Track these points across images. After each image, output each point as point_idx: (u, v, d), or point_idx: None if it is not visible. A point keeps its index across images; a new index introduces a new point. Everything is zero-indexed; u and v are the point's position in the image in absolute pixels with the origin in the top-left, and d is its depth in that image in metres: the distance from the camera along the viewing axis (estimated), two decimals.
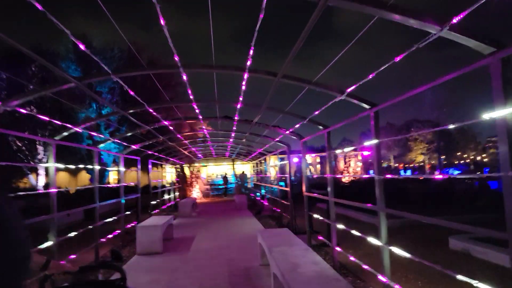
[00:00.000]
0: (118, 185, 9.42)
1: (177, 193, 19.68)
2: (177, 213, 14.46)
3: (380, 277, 4.15)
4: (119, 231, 8.95)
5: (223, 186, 27.18)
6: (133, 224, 9.89)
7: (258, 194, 19.31)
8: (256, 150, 14.22)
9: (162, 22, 3.23)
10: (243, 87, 4.97)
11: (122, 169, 9.37)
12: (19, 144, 25.79)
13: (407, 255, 3.68)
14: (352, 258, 5.24)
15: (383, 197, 4.16)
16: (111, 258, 7.56)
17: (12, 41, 3.06)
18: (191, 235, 9.77)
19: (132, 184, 14.11)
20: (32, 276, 2.18)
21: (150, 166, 12.80)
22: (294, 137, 8.12)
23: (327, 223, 7.69)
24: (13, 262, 1.68)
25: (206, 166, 36.51)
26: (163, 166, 16.88)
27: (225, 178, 27.00)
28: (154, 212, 13.13)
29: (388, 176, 4.27)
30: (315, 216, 7.45)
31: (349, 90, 4.14)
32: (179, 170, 21.24)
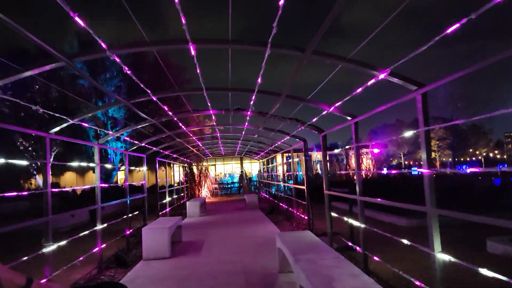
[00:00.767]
0: (122, 184, 8.82)
1: (185, 193, 19.07)
2: (185, 214, 13.83)
3: None
4: (125, 233, 8.33)
5: (240, 184, 26.53)
6: (139, 226, 9.31)
7: (268, 192, 18.65)
8: (268, 146, 13.53)
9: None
10: (262, 68, 4.28)
11: (127, 167, 8.74)
12: (25, 144, 25.43)
13: (471, 267, 2.97)
14: (393, 268, 4.54)
15: (434, 196, 3.45)
16: (116, 263, 6.82)
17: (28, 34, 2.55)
18: (201, 237, 9.12)
19: (140, 183, 13.51)
20: None
21: (157, 165, 12.17)
22: (314, 131, 7.41)
23: (350, 225, 7.02)
24: None
25: (214, 164, 35.97)
26: (171, 164, 16.27)
27: (241, 176, 26.39)
28: (161, 212, 12.52)
29: (443, 170, 3.56)
30: (337, 216, 6.76)
31: (392, 67, 3.45)
32: (187, 168, 20.62)
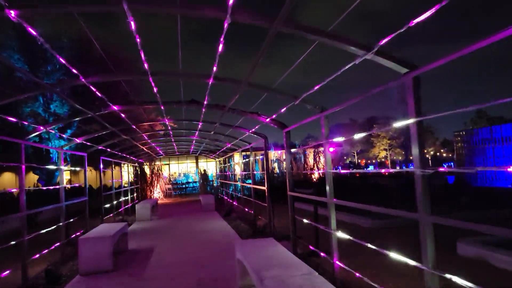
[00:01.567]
0: (66, 186, 7.67)
1: (135, 195, 17.82)
2: (134, 218, 12.70)
3: None
4: (59, 243, 7.22)
5: (204, 183, 25.22)
6: (79, 233, 8.21)
7: (225, 192, 17.86)
8: (226, 144, 12.74)
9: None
10: (220, 47, 3.50)
11: (62, 167, 7.62)
12: None
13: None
14: (360, 276, 3.95)
15: (428, 201, 2.87)
16: (46, 280, 5.63)
17: None
18: (150, 245, 8.18)
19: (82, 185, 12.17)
20: None
21: (101, 165, 11.01)
22: (275, 126, 6.75)
23: (315, 228, 6.44)
24: None
25: (168, 164, 34.60)
26: (122, 164, 15.04)
27: (203, 175, 25.20)
28: (107, 217, 11.36)
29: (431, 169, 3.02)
30: (304, 220, 6.15)
31: (381, 43, 2.80)
32: (137, 168, 19.32)
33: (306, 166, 25.32)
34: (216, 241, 8.31)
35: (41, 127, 5.92)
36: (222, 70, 4.70)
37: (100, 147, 9.87)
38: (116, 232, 6.75)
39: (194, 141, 13.80)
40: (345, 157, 70.04)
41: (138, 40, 3.44)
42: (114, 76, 5.25)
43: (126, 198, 15.31)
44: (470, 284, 2.41)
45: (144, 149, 14.61)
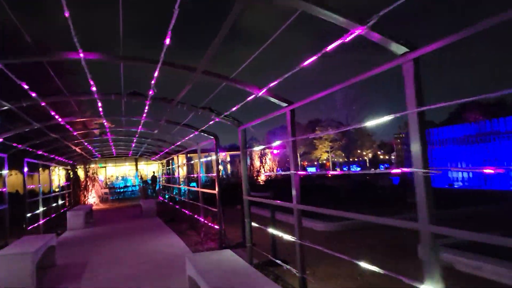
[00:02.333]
0: None
1: (67, 200, 16.17)
2: (65, 226, 11.33)
3: None
4: None
5: (153, 185, 23.69)
6: None
7: (167, 196, 16.84)
8: (170, 145, 11.81)
9: None
10: (175, 15, 2.82)
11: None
12: None
13: None
14: None
15: (432, 207, 2.42)
16: None
17: None
18: (83, 259, 7.12)
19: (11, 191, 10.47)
20: None
21: (25, 168, 9.63)
22: (229, 124, 6.13)
23: (271, 235, 5.90)
24: None
25: (105, 167, 32.49)
26: (52, 167, 13.49)
27: (154, 177, 23.71)
28: (32, 226, 9.97)
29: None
30: (269, 229, 5.58)
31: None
32: (69, 171, 17.60)
33: (252, 168, 24.93)
34: (160, 251, 7.47)
35: None
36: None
37: (24, 148, 8.56)
38: (40, 247, 5.70)
39: (134, 141, 12.71)
40: (288, 159, 70.90)
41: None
42: (35, 57, 4.28)
43: (57, 204, 13.76)
44: None
45: (77, 150, 13.21)
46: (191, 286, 4.15)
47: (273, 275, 5.35)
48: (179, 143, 10.95)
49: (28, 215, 9.83)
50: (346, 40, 2.58)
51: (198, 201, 9.37)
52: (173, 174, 16.43)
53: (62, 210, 13.90)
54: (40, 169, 11.89)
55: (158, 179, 22.72)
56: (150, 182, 23.85)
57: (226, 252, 4.61)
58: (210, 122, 6.68)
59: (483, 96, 2.22)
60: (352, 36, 2.51)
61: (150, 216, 13.23)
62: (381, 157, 69.22)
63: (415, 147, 2.41)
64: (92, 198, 19.56)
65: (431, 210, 2.37)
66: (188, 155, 11.59)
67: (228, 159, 43.83)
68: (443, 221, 2.31)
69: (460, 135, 17.98)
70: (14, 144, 8.27)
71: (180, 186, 13.62)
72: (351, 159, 64.43)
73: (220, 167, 32.34)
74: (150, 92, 5.17)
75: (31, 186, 12.87)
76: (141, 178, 25.27)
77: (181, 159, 17.74)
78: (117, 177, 31.98)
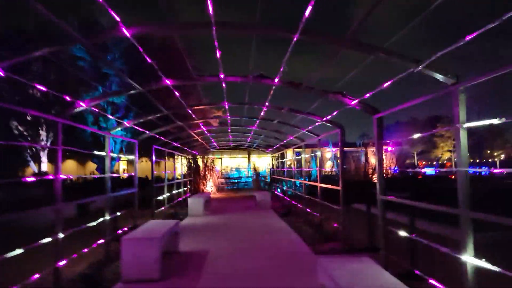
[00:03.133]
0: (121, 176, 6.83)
1: (188, 187, 17.11)
2: (186, 212, 11.81)
3: None
4: (102, 240, 6.35)
5: (256, 179, 24.22)
6: (130, 227, 7.38)
7: (279, 189, 16.62)
8: (287, 137, 11.41)
9: None
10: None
11: (110, 154, 6.76)
12: (21, 129, 23.62)
13: None
14: None
15: (468, 198, 1.37)
16: (82, 286, 4.47)
17: None
18: (204, 247, 7.10)
19: (142, 175, 11.41)
20: None
21: (153, 154, 10.19)
22: (363, 111, 5.34)
23: (411, 240, 4.97)
24: None
25: (220, 158, 34.10)
26: (176, 156, 14.33)
27: (255, 170, 24.34)
28: (158, 210, 10.55)
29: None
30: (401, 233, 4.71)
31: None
32: (191, 160, 18.62)
33: (368, 165, 23.40)
34: (281, 247, 7.06)
35: (81, 102, 4.98)
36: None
37: (152, 134, 8.99)
38: (165, 232, 5.73)
39: (252, 133, 12.65)
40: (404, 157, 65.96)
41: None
42: (194, 80, 4.13)
43: (179, 190, 14.58)
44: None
45: (199, 139, 13.73)
46: None
47: None
48: (297, 135, 10.47)
49: (156, 199, 10.39)
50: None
51: (312, 196, 8.78)
52: (284, 167, 16.16)
53: (183, 197, 14.66)
54: (166, 157, 12.62)
55: (271, 172, 22.76)
56: (264, 174, 24.11)
57: (363, 258, 3.90)
58: (338, 110, 5.97)
59: None
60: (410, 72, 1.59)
61: (265, 209, 13.09)
62: None
63: (462, 152, 1.47)
64: (209, 187, 20.48)
65: (468, 200, 1.46)
66: (297, 150, 11.11)
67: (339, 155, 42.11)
68: None
69: None
70: (143, 130, 8.69)
71: (295, 180, 13.19)
72: (477, 160, 57.12)
73: (330, 162, 31.30)
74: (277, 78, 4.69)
75: (160, 172, 13.71)
76: (254, 169, 25.68)
77: (289, 153, 17.36)
78: (231, 168, 33.32)
